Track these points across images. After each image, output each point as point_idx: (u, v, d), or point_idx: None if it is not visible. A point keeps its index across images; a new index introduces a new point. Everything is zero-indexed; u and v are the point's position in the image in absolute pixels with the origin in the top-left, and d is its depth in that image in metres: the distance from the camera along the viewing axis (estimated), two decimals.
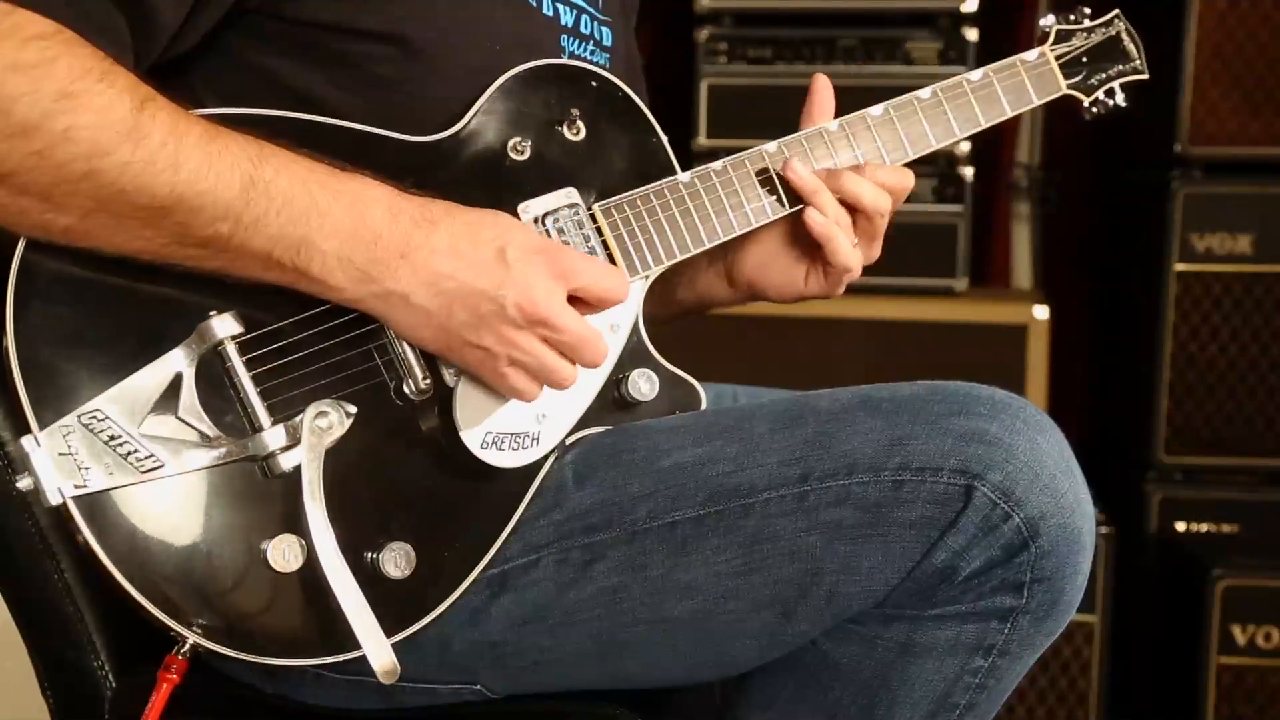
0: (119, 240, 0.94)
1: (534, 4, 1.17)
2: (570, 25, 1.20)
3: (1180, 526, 2.46)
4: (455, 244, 0.99)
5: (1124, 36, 1.38)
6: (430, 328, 1.00)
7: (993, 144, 2.82)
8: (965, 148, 2.46)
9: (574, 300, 1.03)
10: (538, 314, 1.00)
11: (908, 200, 1.26)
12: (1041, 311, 2.46)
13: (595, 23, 1.24)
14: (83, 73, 0.90)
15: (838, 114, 1.25)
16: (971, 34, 2.42)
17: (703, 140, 2.48)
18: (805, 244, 1.23)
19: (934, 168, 2.45)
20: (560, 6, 1.19)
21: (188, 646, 0.97)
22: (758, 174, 1.20)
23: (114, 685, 1.15)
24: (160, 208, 0.92)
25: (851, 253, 1.20)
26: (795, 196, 1.20)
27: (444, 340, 1.01)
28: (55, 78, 0.89)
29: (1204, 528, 2.46)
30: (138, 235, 0.94)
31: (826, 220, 1.18)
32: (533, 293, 0.99)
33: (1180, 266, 2.41)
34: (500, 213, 1.03)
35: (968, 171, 2.47)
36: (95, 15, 0.94)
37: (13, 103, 0.88)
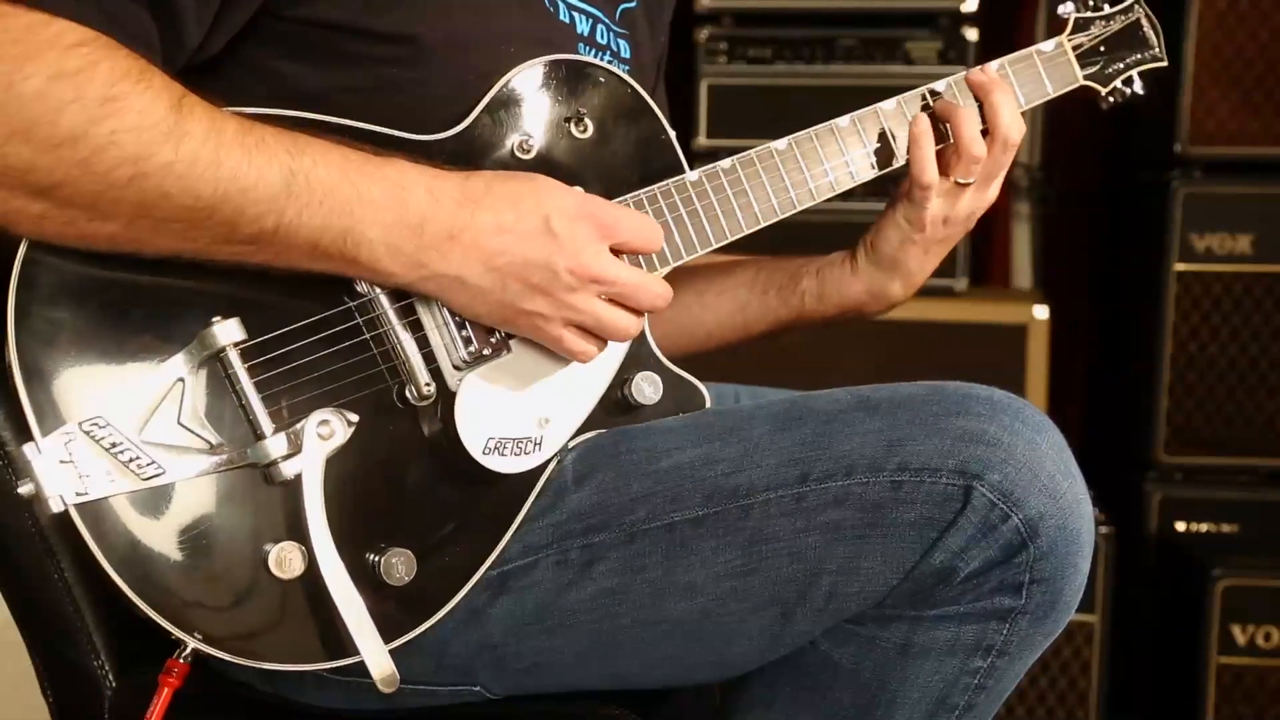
0: (163, 243, 0.94)
1: (550, 8, 1.16)
2: (586, 34, 1.19)
3: (1180, 526, 2.46)
4: (500, 219, 1.00)
5: (1144, 22, 1.35)
6: (486, 304, 1.02)
7: None
8: None
9: (616, 251, 1.05)
10: (589, 274, 1.02)
11: None
12: (1041, 311, 2.46)
13: (612, 34, 1.23)
14: (122, 75, 0.90)
15: (841, 114, 1.24)
16: (971, 34, 2.42)
17: (703, 140, 2.48)
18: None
19: None
20: (576, 15, 1.18)
21: (189, 651, 0.97)
22: (766, 172, 1.19)
23: (114, 685, 1.15)
24: (205, 208, 0.92)
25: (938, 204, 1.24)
26: (808, 193, 1.20)
27: (500, 313, 1.03)
28: (97, 82, 0.89)
29: (1204, 528, 2.46)
30: (182, 236, 0.94)
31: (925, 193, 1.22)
32: (582, 256, 1.01)
33: (1180, 266, 2.41)
34: (536, 177, 1.04)
35: None
36: (129, 22, 0.94)
37: (58, 112, 0.88)
